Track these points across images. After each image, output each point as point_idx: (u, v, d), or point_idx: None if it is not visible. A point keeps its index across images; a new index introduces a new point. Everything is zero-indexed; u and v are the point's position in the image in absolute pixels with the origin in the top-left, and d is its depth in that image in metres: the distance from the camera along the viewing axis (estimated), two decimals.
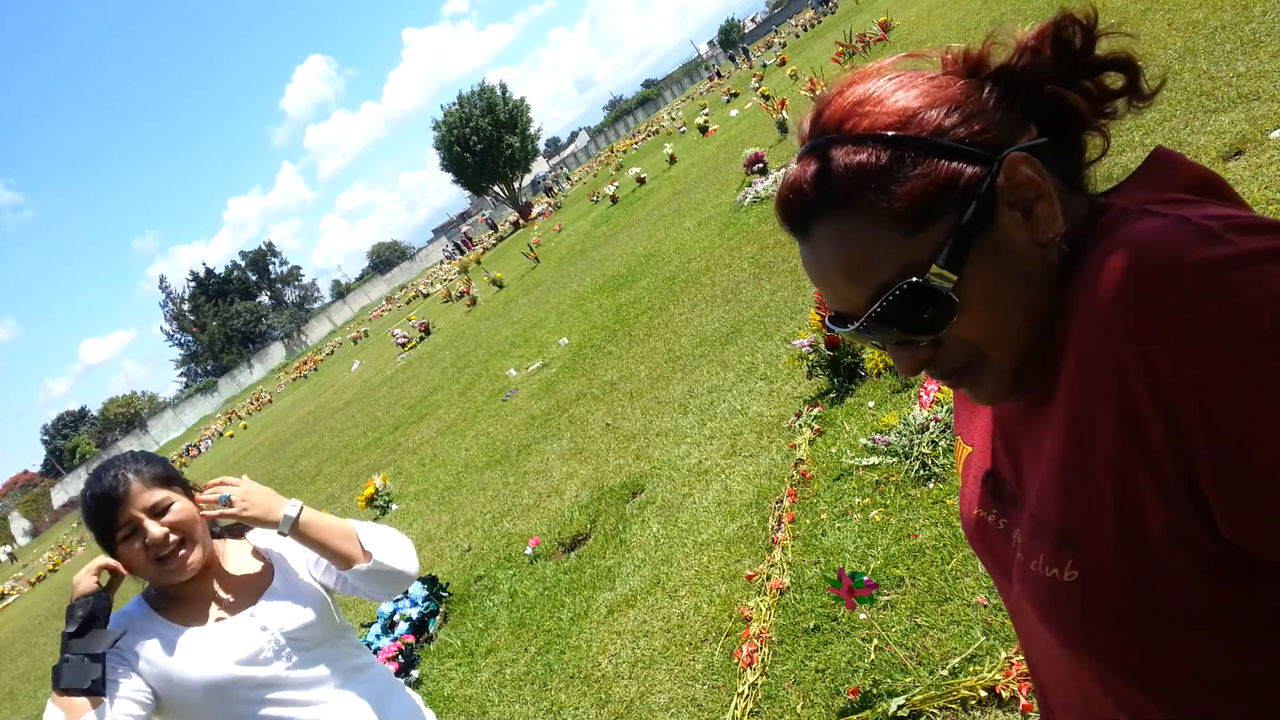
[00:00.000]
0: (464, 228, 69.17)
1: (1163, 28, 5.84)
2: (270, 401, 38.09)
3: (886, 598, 2.63)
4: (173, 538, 1.54)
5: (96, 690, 1.40)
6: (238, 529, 1.78)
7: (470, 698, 3.67)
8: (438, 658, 4.25)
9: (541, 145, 54.34)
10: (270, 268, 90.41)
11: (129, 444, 64.19)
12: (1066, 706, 0.76)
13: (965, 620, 2.39)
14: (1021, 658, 2.09)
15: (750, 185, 9.96)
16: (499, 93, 45.05)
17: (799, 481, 3.63)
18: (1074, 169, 0.71)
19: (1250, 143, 3.87)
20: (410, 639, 4.45)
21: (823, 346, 4.20)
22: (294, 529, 1.60)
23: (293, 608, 1.65)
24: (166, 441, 60.42)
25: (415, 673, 4.15)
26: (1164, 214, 0.62)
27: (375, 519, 7.30)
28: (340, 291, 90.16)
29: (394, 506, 7.35)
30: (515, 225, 42.07)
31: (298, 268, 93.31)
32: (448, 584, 4.85)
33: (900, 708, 2.22)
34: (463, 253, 46.96)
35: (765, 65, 29.39)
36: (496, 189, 45.89)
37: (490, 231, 54.69)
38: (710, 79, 58.30)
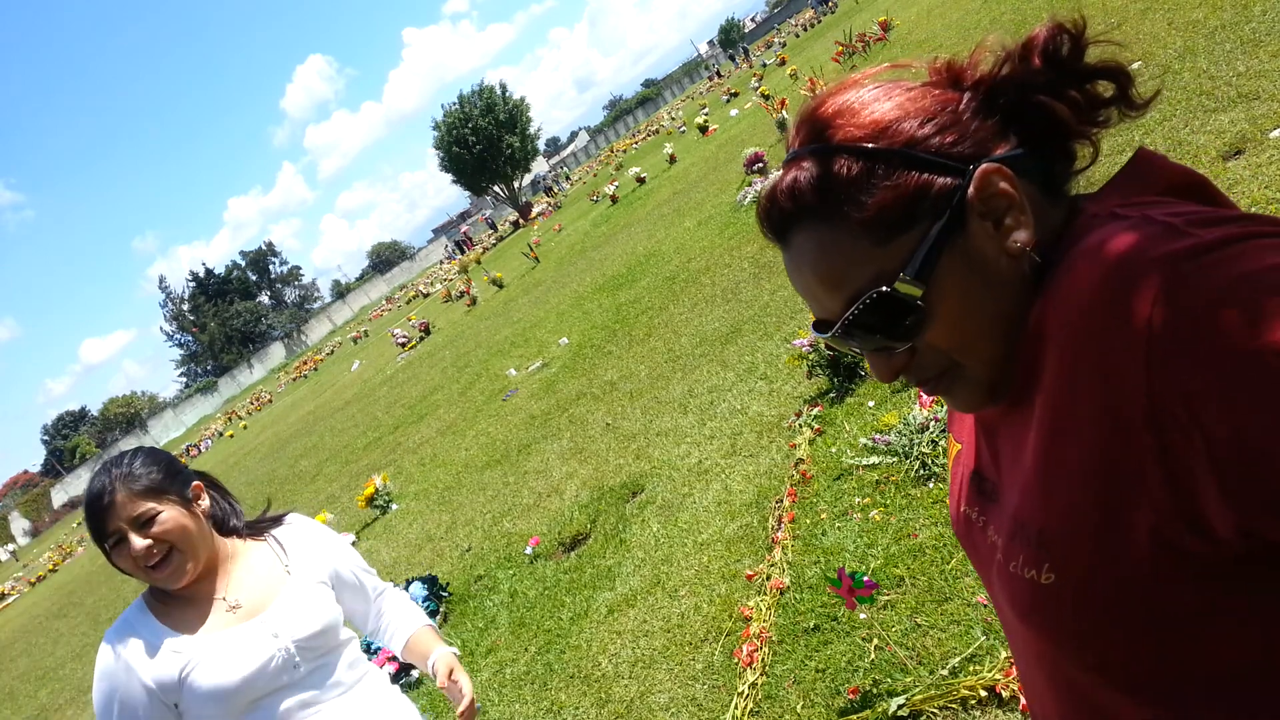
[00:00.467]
0: (464, 227, 69.18)
1: (1163, 27, 5.84)
2: (270, 401, 38.09)
3: (886, 597, 2.63)
4: (158, 549, 1.50)
5: None
6: (258, 528, 1.75)
7: None
8: None
9: (541, 145, 54.34)
10: (270, 268, 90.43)
11: (129, 444, 64.13)
12: (1043, 698, 0.77)
13: (965, 620, 2.39)
14: None
15: (750, 185, 9.96)
16: (499, 92, 45.04)
17: (799, 481, 3.63)
18: (1057, 178, 0.71)
19: (1250, 142, 3.87)
20: None
21: (823, 346, 4.20)
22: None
23: (306, 614, 1.61)
24: (166, 441, 60.38)
25: (415, 673, 4.14)
26: (1128, 215, 0.63)
27: (375, 519, 7.32)
28: (340, 291, 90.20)
29: (394, 506, 7.35)
30: (515, 225, 42.07)
31: (298, 268, 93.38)
32: (448, 584, 4.85)
33: (900, 707, 2.22)
34: (463, 252, 46.99)
35: (765, 65, 29.38)
36: (496, 189, 45.88)
37: (490, 231, 54.72)
38: (710, 79, 58.33)
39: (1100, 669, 0.66)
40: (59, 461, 74.75)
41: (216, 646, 1.52)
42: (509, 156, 44.28)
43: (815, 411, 4.10)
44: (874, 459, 3.39)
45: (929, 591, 2.57)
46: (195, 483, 1.63)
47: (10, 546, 49.24)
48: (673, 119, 37.05)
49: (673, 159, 19.25)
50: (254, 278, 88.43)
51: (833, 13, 31.86)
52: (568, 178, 53.88)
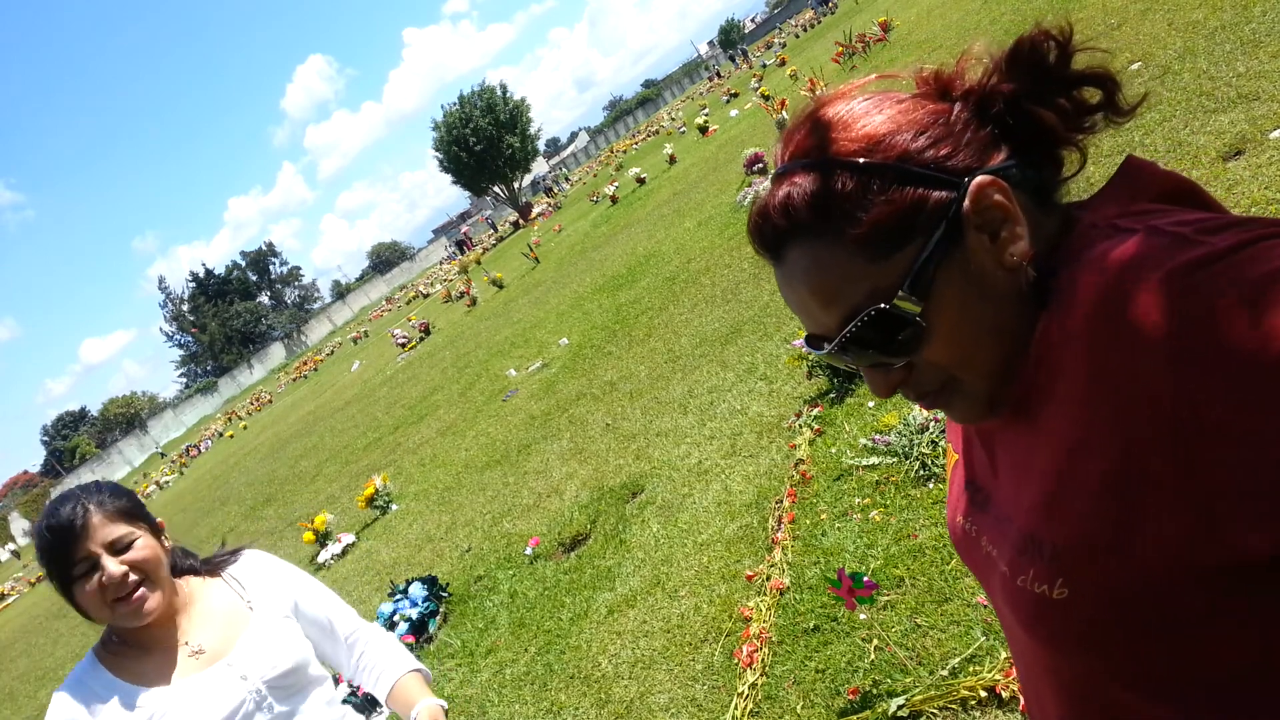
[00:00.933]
0: (464, 228, 69.22)
1: (1163, 28, 5.85)
2: (270, 402, 38.08)
3: (886, 598, 2.63)
4: (132, 577, 1.40)
5: None
6: (214, 564, 1.63)
7: (470, 698, 3.68)
8: (437, 658, 4.25)
9: (541, 145, 54.36)
10: (270, 268, 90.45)
11: (129, 444, 64.36)
12: (1044, 702, 0.77)
13: (965, 620, 2.39)
14: None
15: (750, 185, 9.96)
16: (499, 93, 45.05)
17: (799, 481, 3.63)
18: (1048, 186, 0.71)
19: (1250, 143, 3.87)
20: (410, 639, 4.45)
21: None
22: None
23: (274, 652, 1.51)
24: (166, 441, 60.49)
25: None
26: (1133, 228, 0.62)
27: (375, 519, 7.32)
28: (340, 292, 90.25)
29: (394, 507, 7.35)
30: (515, 225, 42.08)
31: (298, 268, 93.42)
32: (447, 584, 4.85)
33: (900, 708, 2.22)
34: (463, 253, 46.99)
35: (765, 65, 29.38)
36: (496, 189, 45.90)
37: (490, 232, 54.73)
38: (710, 79, 58.32)
39: (1111, 673, 0.66)
40: (59, 462, 74.73)
41: (182, 697, 1.41)
42: (509, 157, 44.29)
43: (815, 412, 4.10)
44: (874, 459, 3.39)
45: (929, 592, 2.57)
46: (159, 520, 1.55)
47: (10, 546, 49.19)
48: (673, 119, 37.05)
49: (673, 159, 19.25)
50: (254, 278, 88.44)
51: (833, 13, 31.88)
52: (568, 178, 53.92)
